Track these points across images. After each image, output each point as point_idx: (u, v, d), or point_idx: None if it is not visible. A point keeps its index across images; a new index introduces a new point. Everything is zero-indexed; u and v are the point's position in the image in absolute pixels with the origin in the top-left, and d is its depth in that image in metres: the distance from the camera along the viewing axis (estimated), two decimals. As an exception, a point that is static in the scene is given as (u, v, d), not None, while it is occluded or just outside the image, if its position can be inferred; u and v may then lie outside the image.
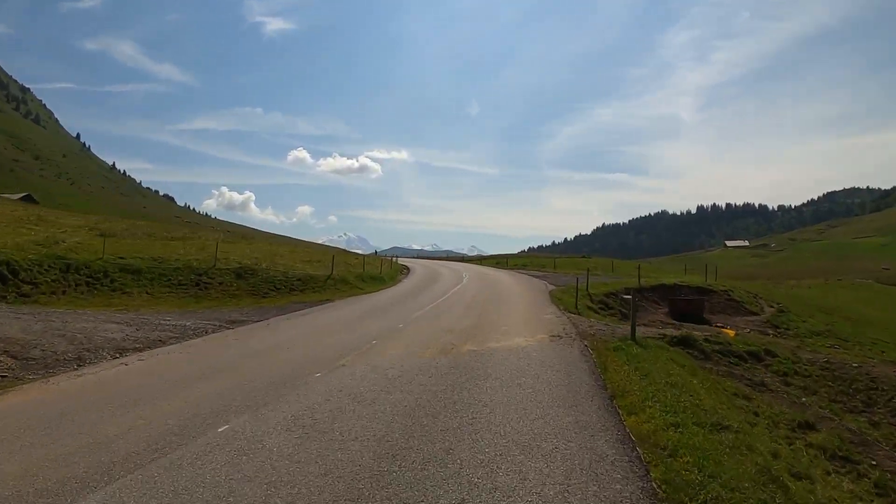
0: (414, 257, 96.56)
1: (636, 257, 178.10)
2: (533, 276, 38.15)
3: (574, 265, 54.63)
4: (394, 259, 61.70)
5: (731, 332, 19.63)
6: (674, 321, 24.94)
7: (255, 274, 25.78)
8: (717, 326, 23.21)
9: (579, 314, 18.32)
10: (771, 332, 23.69)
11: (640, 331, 14.24)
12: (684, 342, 14.91)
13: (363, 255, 52.25)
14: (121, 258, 24.46)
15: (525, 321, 15.81)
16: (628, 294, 15.17)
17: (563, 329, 14.35)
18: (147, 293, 21.89)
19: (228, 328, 14.99)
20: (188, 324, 14.99)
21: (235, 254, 30.05)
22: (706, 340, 15.86)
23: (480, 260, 71.04)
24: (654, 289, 29.95)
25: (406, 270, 44.35)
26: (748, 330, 22.94)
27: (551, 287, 28.06)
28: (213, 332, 14.16)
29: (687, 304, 27.03)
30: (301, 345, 12.34)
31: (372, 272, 31.91)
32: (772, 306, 29.85)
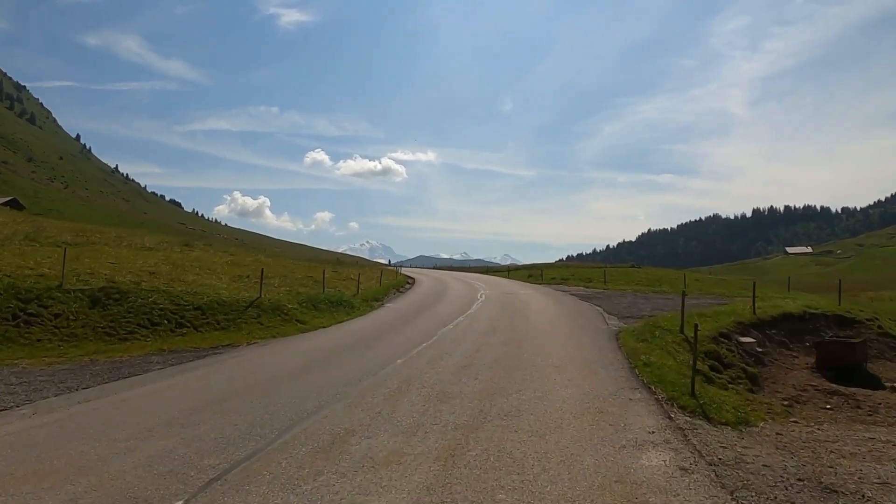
0: (432, 268, 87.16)
1: (686, 266, 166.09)
2: (578, 295, 28.17)
3: (626, 278, 44.35)
4: (399, 270, 52.35)
5: None
6: (828, 380, 14.86)
7: (126, 298, 16.44)
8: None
9: (707, 419, 8.05)
10: None
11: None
12: None
13: (363, 266, 42.97)
14: None
15: (592, 474, 5.84)
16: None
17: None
18: None
19: None
20: None
21: (134, 264, 20.84)
22: None
23: (508, 272, 60.89)
24: (775, 321, 19.59)
25: (406, 286, 34.81)
26: None
27: (612, 319, 18.08)
28: None
29: (842, 350, 16.74)
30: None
31: (336, 295, 22.35)
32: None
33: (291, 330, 16.82)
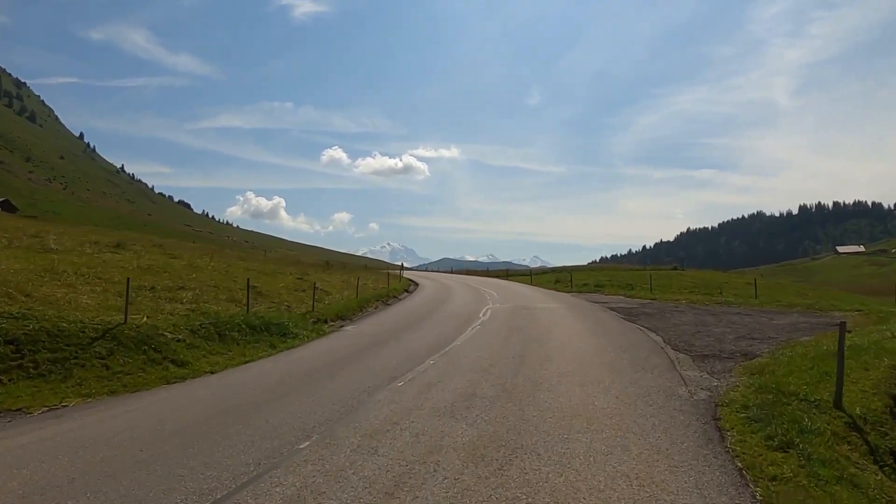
0: (448, 271, 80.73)
1: (729, 267, 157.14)
2: (619, 310, 21.31)
3: (673, 283, 37.23)
4: (401, 275, 46.02)
5: None
6: None
7: None
8: None
9: None
10: None
11: None
12: None
13: (367, 270, 36.78)
14: None
15: None
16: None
17: None
18: None
19: None
20: None
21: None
22: None
23: (531, 276, 53.91)
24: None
25: (396, 297, 28.37)
26: None
27: (683, 362, 11.12)
28: None
29: None
30: None
31: (268, 317, 15.84)
32: None
33: (154, 378, 10.42)
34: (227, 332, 13.92)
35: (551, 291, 33.47)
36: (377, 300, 25.11)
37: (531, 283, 42.42)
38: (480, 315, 19.27)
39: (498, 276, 58.54)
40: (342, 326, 17.42)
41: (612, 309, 21.66)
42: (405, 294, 31.67)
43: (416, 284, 39.84)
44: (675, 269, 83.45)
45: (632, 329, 15.72)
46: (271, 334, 14.74)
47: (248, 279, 19.00)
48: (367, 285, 29.72)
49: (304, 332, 15.51)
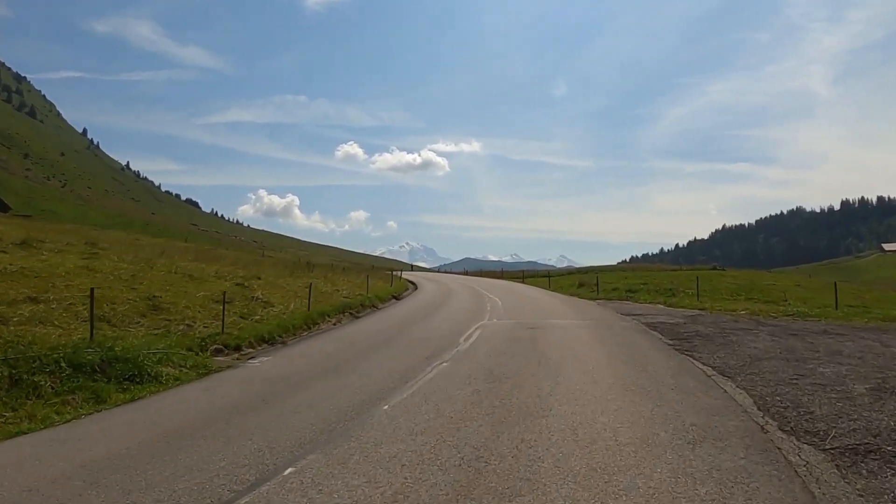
0: (460, 272, 75.44)
1: (769, 266, 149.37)
2: (664, 330, 15.61)
3: (718, 287, 31.18)
4: (401, 275, 41.00)
5: None
6: None
7: None
8: None
9: None
10: None
11: None
12: None
13: (359, 272, 31.84)
14: None
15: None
16: None
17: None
18: None
19: None
20: None
21: None
22: None
23: (549, 278, 48.09)
24: None
25: (375, 307, 23.11)
26: None
27: (814, 467, 5.50)
28: None
29: None
30: None
31: (134, 348, 10.51)
32: None
33: None
34: (27, 376, 8.67)
35: (572, 299, 27.83)
36: (345, 312, 19.81)
37: (549, 288, 36.73)
38: (462, 340, 13.76)
39: (514, 279, 52.87)
40: (252, 358, 12.04)
41: (651, 327, 15.98)
42: (391, 301, 26.38)
43: (415, 287, 34.59)
44: (715, 268, 76.68)
45: (690, 371, 10.04)
46: (109, 378, 9.42)
47: (93, 288, 13.70)
48: (340, 291, 24.47)
49: (174, 373, 10.18)
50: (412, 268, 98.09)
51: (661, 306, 23.73)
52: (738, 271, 77.00)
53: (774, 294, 27.67)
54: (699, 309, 22.01)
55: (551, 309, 20.97)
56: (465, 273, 73.30)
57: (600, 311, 20.45)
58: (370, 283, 28.78)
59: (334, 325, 17.68)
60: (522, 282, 45.47)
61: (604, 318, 18.25)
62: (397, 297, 28.17)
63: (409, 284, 37.77)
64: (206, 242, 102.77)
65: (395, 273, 50.44)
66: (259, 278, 22.46)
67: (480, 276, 62.61)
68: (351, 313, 20.16)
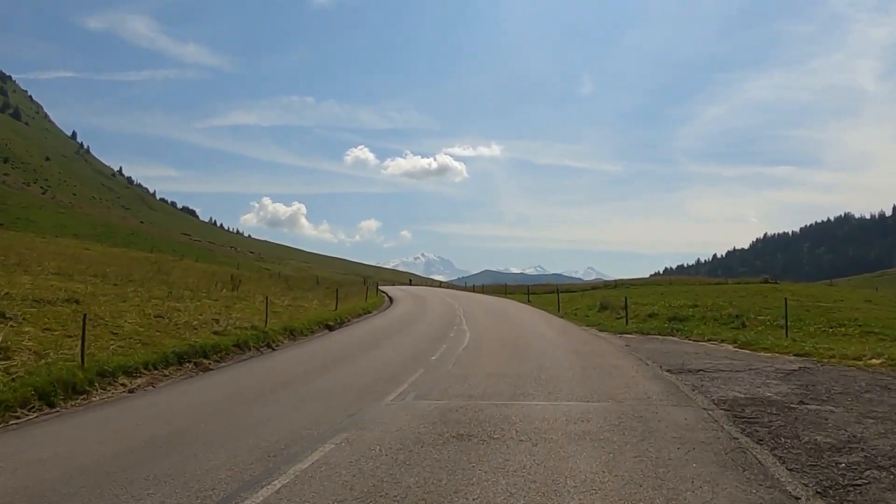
0: (461, 287, 67.33)
1: (814, 279, 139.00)
2: (780, 451, 7.12)
3: (770, 302, 22.19)
4: (378, 288, 33.17)
5: None
6: None
7: None
8: None
9: None
10: None
11: None
12: None
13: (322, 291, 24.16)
14: None
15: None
16: None
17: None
18: None
19: None
20: None
21: None
22: None
23: (557, 293, 39.24)
24: None
25: (262, 351, 14.84)
26: None
27: None
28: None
29: None
30: None
31: None
32: None
33: None
34: None
35: (587, 333, 19.21)
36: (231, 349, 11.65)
37: (559, 311, 28.09)
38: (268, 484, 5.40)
39: (522, 294, 44.14)
40: None
41: (755, 435, 7.40)
42: (323, 332, 18.23)
43: (390, 302, 26.57)
44: (766, 281, 67.13)
45: None
46: None
47: None
48: (237, 318, 16.32)
49: None
50: (410, 281, 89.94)
51: (730, 347, 15.15)
52: (794, 284, 67.66)
53: (872, 318, 18.95)
54: (797, 354, 13.45)
55: (540, 363, 12.38)
56: (467, 287, 65.10)
57: (631, 369, 11.83)
58: (317, 304, 20.73)
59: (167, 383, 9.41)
60: (528, 300, 36.82)
61: (639, 391, 9.62)
62: (330, 329, 20.03)
63: (385, 300, 29.67)
64: (193, 253, 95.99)
65: (379, 287, 42.57)
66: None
67: (482, 292, 54.20)
68: (198, 368, 11.96)
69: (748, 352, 14.25)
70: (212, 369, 12.25)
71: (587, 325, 20.59)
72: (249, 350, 14.40)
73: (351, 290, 37.84)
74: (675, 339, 16.98)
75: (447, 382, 10.33)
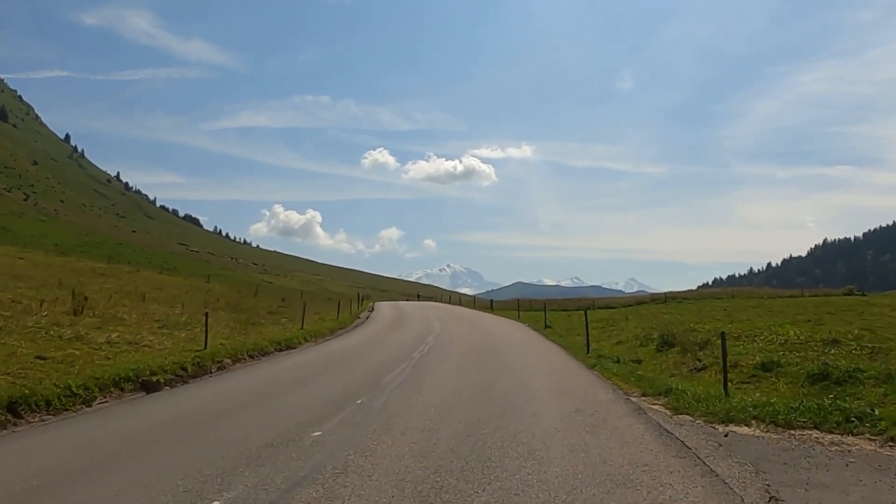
0: (471, 301, 58.01)
1: (882, 289, 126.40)
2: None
3: (875, 324, 12.41)
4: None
5: None
6: None
7: None
8: None
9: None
10: None
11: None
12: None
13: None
14: None
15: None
16: None
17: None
18: None
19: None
20: None
21: None
22: None
23: (595, 308, 29.31)
24: None
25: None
26: None
27: None
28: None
29: None
30: None
31: None
32: None
33: None
34: None
35: (639, 403, 9.56)
36: None
37: (587, 351, 18.00)
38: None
39: (532, 315, 34.37)
40: None
41: None
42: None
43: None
44: (851, 293, 56.62)
45: None
46: None
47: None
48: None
49: None
50: (418, 297, 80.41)
51: None
52: (885, 295, 57.13)
53: None
54: None
55: None
56: (475, 302, 55.56)
57: None
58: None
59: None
60: (545, 325, 26.89)
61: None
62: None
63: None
64: (187, 265, 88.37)
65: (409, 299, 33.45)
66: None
67: (487, 312, 44.53)
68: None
69: None
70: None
71: (642, 394, 10.54)
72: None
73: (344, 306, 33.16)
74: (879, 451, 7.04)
75: None
